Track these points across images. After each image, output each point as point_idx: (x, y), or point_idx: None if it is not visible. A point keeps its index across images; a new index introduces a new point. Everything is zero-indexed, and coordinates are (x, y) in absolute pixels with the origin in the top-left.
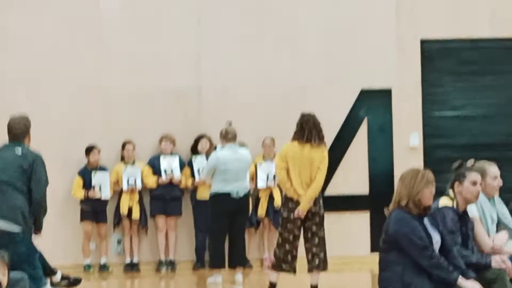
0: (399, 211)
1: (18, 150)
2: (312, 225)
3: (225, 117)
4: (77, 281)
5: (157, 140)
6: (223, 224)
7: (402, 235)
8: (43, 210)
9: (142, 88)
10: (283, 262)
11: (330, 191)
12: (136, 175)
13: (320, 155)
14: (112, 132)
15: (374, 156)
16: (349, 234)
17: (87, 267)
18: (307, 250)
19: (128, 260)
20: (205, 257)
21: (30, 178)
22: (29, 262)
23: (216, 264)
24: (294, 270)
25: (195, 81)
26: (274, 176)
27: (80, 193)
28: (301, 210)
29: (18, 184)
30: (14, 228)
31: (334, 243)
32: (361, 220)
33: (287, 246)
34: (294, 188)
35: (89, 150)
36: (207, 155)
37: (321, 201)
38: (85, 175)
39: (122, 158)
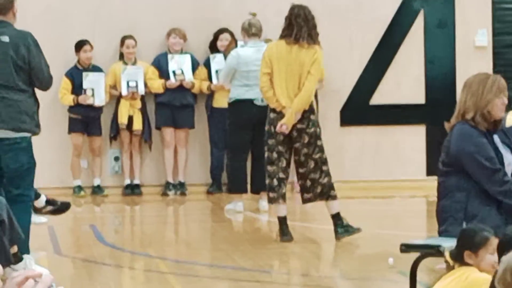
0: (463, 126)
1: (5, 37)
2: (301, 146)
3: (248, 7)
4: (65, 206)
5: (164, 35)
6: (245, 139)
7: (466, 155)
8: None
9: None
10: (271, 190)
11: (377, 99)
12: (138, 77)
13: (311, 57)
14: (108, 25)
15: (432, 57)
16: (400, 153)
17: (78, 190)
18: (302, 177)
19: (127, 182)
20: (222, 179)
21: (29, 69)
22: (23, 178)
23: (236, 188)
24: (283, 198)
25: None
26: None
27: (69, 99)
28: (284, 124)
29: (16, 82)
30: (19, 134)
31: (381, 164)
32: (415, 136)
33: (271, 168)
34: (277, 98)
35: (79, 46)
36: (227, 54)
37: (312, 116)
38: (75, 76)
39: (121, 57)
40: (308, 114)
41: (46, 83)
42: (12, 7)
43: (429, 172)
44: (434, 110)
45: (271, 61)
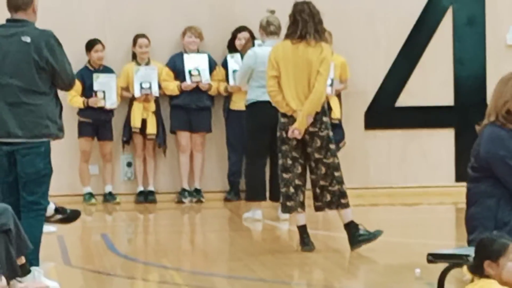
0: (494, 128)
1: (26, 37)
2: (313, 150)
3: (266, 4)
4: (75, 214)
5: (179, 34)
6: (263, 143)
7: (497, 159)
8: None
9: None
10: (287, 199)
11: (403, 101)
12: (151, 78)
13: (319, 56)
14: (119, 23)
15: (461, 57)
16: (427, 157)
17: (88, 197)
18: (313, 183)
19: (140, 188)
20: (240, 186)
21: (52, 71)
22: (39, 184)
23: (255, 195)
24: (301, 207)
25: None
26: (332, 80)
27: (78, 101)
28: (296, 129)
29: (39, 85)
30: (40, 139)
31: (408, 169)
32: (443, 140)
33: (286, 175)
34: (287, 101)
35: (90, 46)
36: (244, 53)
37: (324, 118)
38: (85, 78)
39: (134, 57)
40: (321, 116)
41: (70, 83)
42: (32, 2)
43: (458, 178)
44: (464, 112)
45: (277, 63)
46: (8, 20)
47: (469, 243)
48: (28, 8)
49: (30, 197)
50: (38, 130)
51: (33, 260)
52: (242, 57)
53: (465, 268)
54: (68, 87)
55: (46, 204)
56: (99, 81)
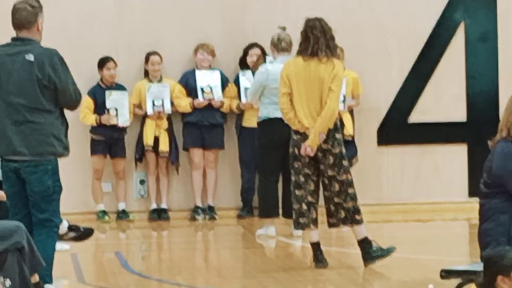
0: (505, 144)
1: (30, 55)
2: (326, 167)
3: (278, 20)
4: (89, 232)
5: (191, 51)
6: (275, 159)
7: (509, 175)
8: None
9: None
10: (300, 215)
11: (416, 117)
12: (164, 96)
13: (331, 73)
14: (131, 40)
15: (474, 73)
16: (440, 173)
17: (101, 215)
18: (327, 200)
19: (154, 206)
20: (253, 203)
21: (55, 89)
22: (49, 202)
23: (267, 212)
24: (314, 223)
25: None
26: (345, 97)
27: (91, 119)
28: (308, 146)
29: (43, 103)
30: (45, 157)
31: (421, 185)
32: (456, 155)
33: (299, 192)
34: (299, 118)
35: (102, 63)
36: (255, 70)
37: (337, 135)
38: (97, 95)
39: (146, 74)
40: (333, 133)
41: (73, 103)
42: (36, 21)
43: (472, 194)
44: (476, 128)
45: (289, 80)
46: (12, 39)
47: (482, 259)
48: (32, 27)
49: (41, 215)
50: (43, 148)
51: (47, 277)
52: (253, 73)
53: (474, 287)
54: (72, 106)
55: (58, 221)
56: (112, 99)
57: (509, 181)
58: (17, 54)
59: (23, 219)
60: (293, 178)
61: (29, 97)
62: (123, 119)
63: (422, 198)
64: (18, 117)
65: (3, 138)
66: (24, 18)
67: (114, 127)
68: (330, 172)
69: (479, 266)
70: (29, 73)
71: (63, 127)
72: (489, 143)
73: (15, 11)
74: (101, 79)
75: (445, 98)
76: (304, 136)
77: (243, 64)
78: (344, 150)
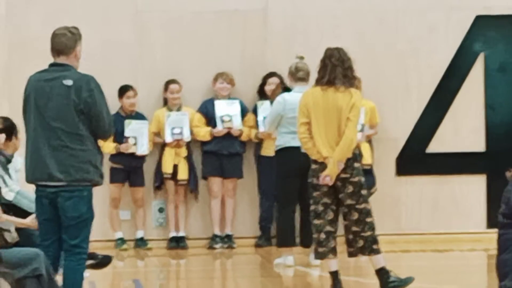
0: None
1: (68, 81)
2: (345, 196)
3: (296, 49)
4: (107, 260)
5: (211, 80)
6: (293, 188)
7: None
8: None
9: (189, 11)
10: (319, 245)
11: (435, 147)
12: (183, 124)
13: (349, 102)
14: (151, 69)
15: (493, 103)
16: (459, 203)
17: (120, 243)
18: (346, 229)
19: (172, 234)
20: (271, 232)
21: (90, 116)
22: (81, 228)
23: (286, 241)
24: (333, 253)
25: (260, 1)
26: (363, 126)
27: (110, 147)
28: (327, 176)
29: (81, 128)
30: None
31: (439, 215)
32: (475, 186)
33: (318, 221)
34: (318, 148)
35: (123, 92)
36: (273, 99)
37: (356, 164)
38: (117, 123)
39: (165, 103)
40: (352, 162)
41: (105, 131)
42: (75, 47)
43: (490, 225)
44: (495, 158)
45: (308, 109)
46: (51, 65)
47: None
48: (71, 53)
49: (73, 241)
50: (80, 174)
51: None
52: (271, 103)
53: None
54: (104, 134)
55: (87, 248)
56: (131, 128)
57: None
58: (55, 80)
59: (51, 246)
60: (312, 207)
61: (66, 122)
62: (142, 149)
63: (440, 229)
64: (55, 142)
65: (39, 163)
66: (64, 44)
67: (133, 156)
68: (349, 201)
69: None
70: (66, 98)
71: (99, 156)
72: (507, 174)
73: (54, 36)
74: (121, 108)
75: (464, 128)
76: (323, 166)
77: (261, 93)
78: (363, 179)
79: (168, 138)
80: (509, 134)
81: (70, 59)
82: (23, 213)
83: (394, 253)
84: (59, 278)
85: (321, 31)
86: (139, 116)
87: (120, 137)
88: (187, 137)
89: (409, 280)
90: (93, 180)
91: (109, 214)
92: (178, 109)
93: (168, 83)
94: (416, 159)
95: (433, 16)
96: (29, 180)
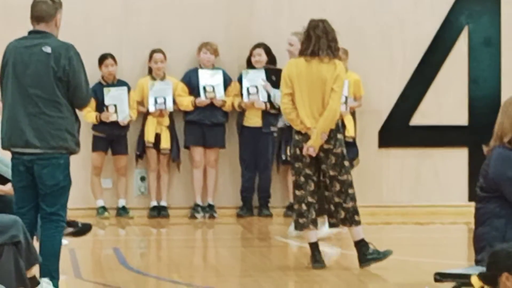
0: (502, 149)
1: (47, 48)
2: (327, 167)
3: (283, 24)
4: (87, 228)
5: (195, 49)
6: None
7: (505, 180)
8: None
9: None
10: (299, 216)
11: (418, 120)
12: (166, 94)
13: (333, 73)
14: (136, 38)
15: (476, 77)
16: (441, 176)
17: (101, 211)
18: (327, 200)
19: (154, 203)
20: (253, 202)
21: (67, 84)
22: (58, 196)
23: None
24: (313, 224)
25: None
26: (346, 98)
27: (92, 116)
28: (310, 146)
29: (59, 96)
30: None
31: (421, 188)
32: (457, 159)
33: (299, 192)
34: (301, 119)
35: (102, 60)
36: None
37: (339, 135)
38: (98, 93)
39: (149, 72)
40: (335, 133)
41: (82, 101)
42: (55, 15)
43: (472, 198)
44: (477, 132)
45: (291, 80)
46: (30, 32)
47: (477, 262)
48: (51, 21)
49: (50, 209)
50: (56, 142)
51: (54, 272)
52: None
53: (473, 279)
54: (81, 103)
55: (65, 215)
56: (110, 95)
57: (505, 186)
58: (34, 46)
59: (28, 213)
60: (293, 178)
61: (45, 89)
62: (123, 115)
63: (421, 201)
64: (33, 109)
65: (16, 129)
66: (44, 12)
67: (116, 124)
68: (331, 172)
69: (473, 270)
70: (45, 65)
71: (76, 124)
72: (484, 148)
73: (35, 4)
74: (102, 77)
75: (447, 102)
76: (306, 137)
77: (249, 64)
78: (345, 151)
79: (151, 108)
80: (492, 108)
81: (50, 26)
82: (2, 180)
83: (375, 225)
84: (35, 245)
85: (307, 3)
86: (120, 84)
87: (101, 106)
88: (170, 107)
89: (387, 253)
90: (70, 148)
91: (91, 182)
92: (162, 79)
93: (152, 52)
94: (399, 131)
95: None
96: (5, 146)
